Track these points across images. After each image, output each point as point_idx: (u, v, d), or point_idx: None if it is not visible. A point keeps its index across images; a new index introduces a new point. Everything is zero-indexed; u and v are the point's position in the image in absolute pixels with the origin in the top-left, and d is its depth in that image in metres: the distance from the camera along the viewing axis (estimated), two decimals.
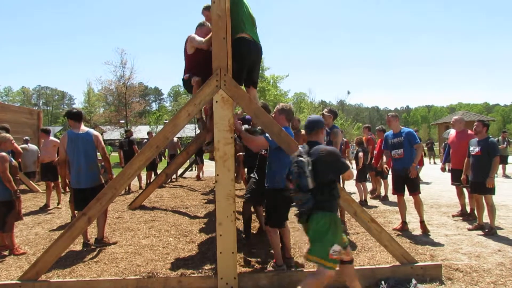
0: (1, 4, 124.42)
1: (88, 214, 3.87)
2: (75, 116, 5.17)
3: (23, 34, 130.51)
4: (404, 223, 6.03)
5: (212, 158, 4.89)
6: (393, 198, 8.23)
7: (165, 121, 55.19)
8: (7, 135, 5.29)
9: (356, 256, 4.63)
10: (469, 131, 6.50)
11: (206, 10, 5.11)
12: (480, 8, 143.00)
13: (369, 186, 9.80)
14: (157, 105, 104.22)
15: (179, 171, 13.30)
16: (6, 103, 54.76)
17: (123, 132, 33.04)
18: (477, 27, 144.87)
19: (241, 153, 6.40)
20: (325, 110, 6.25)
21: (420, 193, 5.89)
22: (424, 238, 5.51)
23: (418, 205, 5.87)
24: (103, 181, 5.29)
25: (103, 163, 5.72)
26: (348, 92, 65.15)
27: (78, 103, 74.88)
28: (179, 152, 12.12)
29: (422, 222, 5.87)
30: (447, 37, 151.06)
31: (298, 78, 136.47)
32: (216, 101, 3.87)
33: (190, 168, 16.40)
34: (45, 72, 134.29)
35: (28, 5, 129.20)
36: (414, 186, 5.86)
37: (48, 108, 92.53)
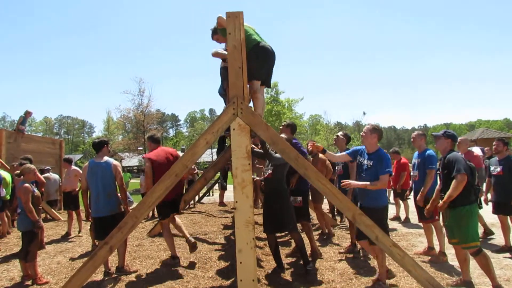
0: (25, 38, 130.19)
1: (110, 243, 3.92)
2: (93, 146, 5.41)
3: (45, 66, 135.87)
4: (430, 248, 5.73)
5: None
6: (413, 219, 8.06)
7: (182, 147, 56.00)
8: (31, 166, 5.43)
9: None
10: (475, 153, 6.47)
11: (215, 34, 5.40)
12: (497, 23, 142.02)
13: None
14: (174, 131, 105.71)
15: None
16: (30, 133, 56.54)
17: (142, 158, 33.80)
18: (495, 43, 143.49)
19: (258, 178, 6.44)
20: (340, 133, 6.27)
21: (433, 220, 5.45)
22: (449, 262, 5.34)
23: (437, 233, 5.54)
24: (123, 210, 5.32)
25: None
26: (364, 113, 65.02)
27: (98, 131, 76.92)
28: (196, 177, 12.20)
29: (440, 251, 5.50)
30: (464, 53, 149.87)
31: (313, 100, 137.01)
32: (234, 129, 3.94)
33: (208, 194, 16.42)
34: (66, 102, 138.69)
35: (50, 38, 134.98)
36: (422, 213, 5.38)
37: (69, 136, 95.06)
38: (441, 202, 4.22)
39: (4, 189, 7.18)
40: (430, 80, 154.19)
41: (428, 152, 5.59)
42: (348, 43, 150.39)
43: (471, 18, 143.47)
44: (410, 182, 7.41)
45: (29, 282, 5.04)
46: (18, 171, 5.41)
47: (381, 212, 4.41)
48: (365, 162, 4.53)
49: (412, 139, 5.82)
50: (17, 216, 5.25)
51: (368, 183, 4.33)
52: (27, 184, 5.10)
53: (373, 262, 5.35)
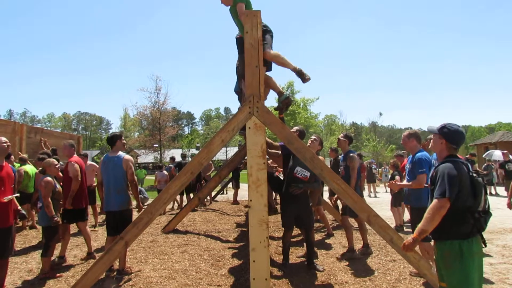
0: (47, 41, 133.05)
1: (126, 238, 3.97)
2: (107, 141, 5.44)
3: (65, 64, 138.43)
4: None
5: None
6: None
7: (197, 145, 56.39)
8: (53, 160, 5.47)
9: (394, 286, 4.47)
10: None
11: None
12: None
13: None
14: (189, 129, 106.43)
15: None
16: (49, 128, 57.71)
17: (157, 155, 34.31)
18: None
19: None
20: (341, 135, 6.28)
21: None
22: None
23: None
24: (131, 207, 5.24)
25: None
26: (380, 114, 64.18)
27: (115, 128, 78.14)
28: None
29: None
30: (484, 54, 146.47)
31: (329, 100, 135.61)
32: (249, 128, 3.95)
33: (222, 192, 16.52)
34: (84, 99, 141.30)
35: (69, 37, 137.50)
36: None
37: (87, 133, 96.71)
38: (411, 236, 2.79)
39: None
40: (448, 81, 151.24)
41: (420, 154, 5.46)
42: (365, 43, 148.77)
43: (492, 20, 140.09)
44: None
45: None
46: (41, 168, 5.39)
47: (422, 211, 4.41)
48: (407, 166, 4.83)
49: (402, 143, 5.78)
50: (37, 210, 5.32)
51: (405, 182, 4.79)
52: (49, 178, 5.09)
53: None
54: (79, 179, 5.70)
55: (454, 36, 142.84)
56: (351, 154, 5.93)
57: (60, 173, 5.93)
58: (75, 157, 5.98)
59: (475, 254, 2.74)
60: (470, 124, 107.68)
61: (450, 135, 2.96)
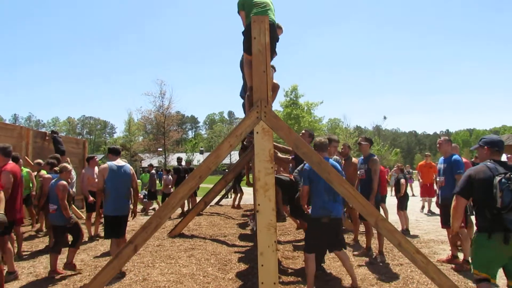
0: (51, 46, 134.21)
1: (135, 242, 4.00)
2: (115, 151, 5.84)
3: (69, 68, 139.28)
4: (454, 257, 5.57)
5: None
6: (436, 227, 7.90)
7: (201, 149, 56.51)
8: (68, 165, 5.71)
9: None
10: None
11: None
12: None
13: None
14: (193, 133, 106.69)
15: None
16: None
17: (161, 159, 34.41)
18: None
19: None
20: (361, 139, 6.28)
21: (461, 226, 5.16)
22: None
23: (461, 241, 5.27)
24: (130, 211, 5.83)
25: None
26: (385, 117, 64.00)
27: (119, 132, 78.47)
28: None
29: (464, 259, 5.32)
30: (489, 57, 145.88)
31: (333, 104, 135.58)
32: (257, 132, 3.98)
33: (226, 196, 16.51)
34: (89, 103, 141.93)
35: (72, 44, 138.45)
36: (447, 218, 5.05)
37: (91, 137, 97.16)
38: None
39: None
40: (453, 84, 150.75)
41: (454, 157, 5.61)
42: (369, 47, 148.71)
43: (496, 22, 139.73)
44: (436, 188, 7.40)
45: (58, 277, 5.19)
46: (57, 168, 5.75)
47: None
48: None
49: (438, 145, 5.89)
50: (52, 212, 5.43)
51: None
52: (64, 182, 5.40)
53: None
54: (9, 191, 5.02)
55: (459, 39, 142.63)
56: (374, 157, 5.98)
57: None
58: (11, 164, 5.29)
59: (485, 247, 3.16)
60: (474, 128, 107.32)
61: (484, 140, 3.62)
